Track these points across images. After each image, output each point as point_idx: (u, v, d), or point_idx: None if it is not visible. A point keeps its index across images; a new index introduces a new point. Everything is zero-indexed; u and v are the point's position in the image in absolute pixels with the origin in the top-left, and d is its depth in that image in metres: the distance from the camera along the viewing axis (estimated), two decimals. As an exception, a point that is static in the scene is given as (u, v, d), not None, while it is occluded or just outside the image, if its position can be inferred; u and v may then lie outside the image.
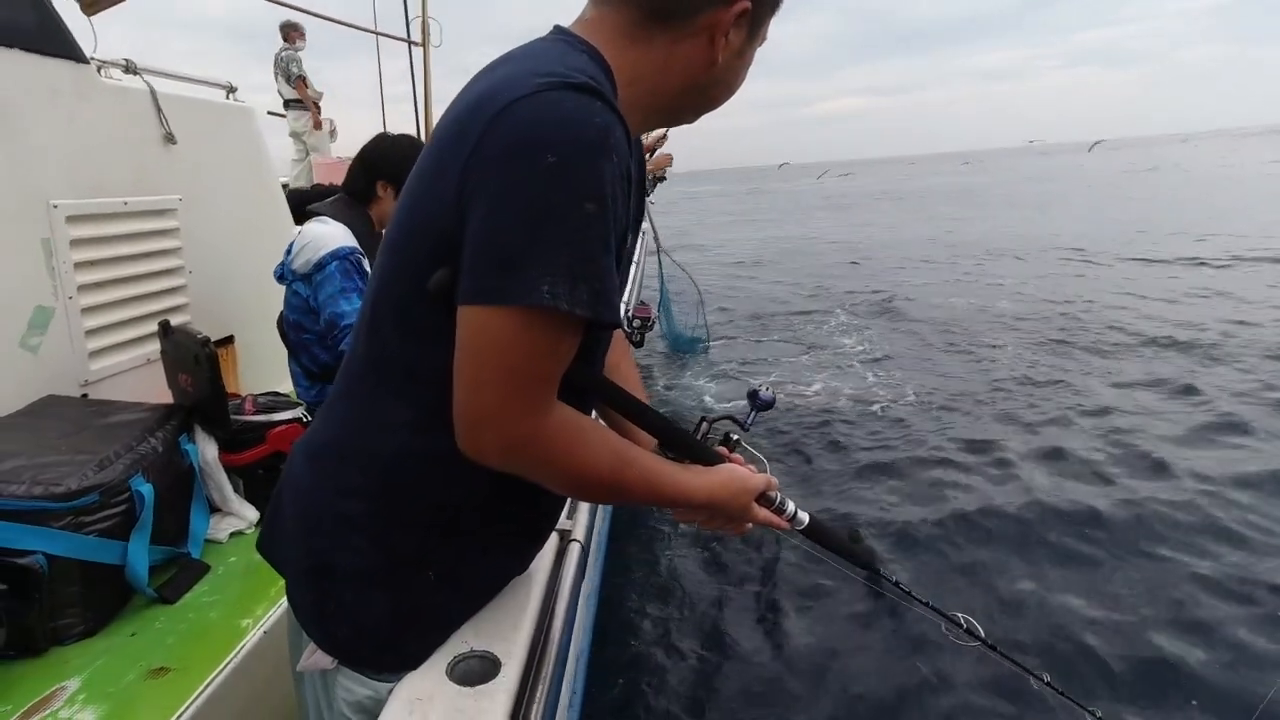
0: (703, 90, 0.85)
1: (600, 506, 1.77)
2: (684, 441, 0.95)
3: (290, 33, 6.85)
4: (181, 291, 2.40)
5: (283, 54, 6.91)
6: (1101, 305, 8.59)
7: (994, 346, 7.32)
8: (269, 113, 7.14)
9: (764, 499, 0.98)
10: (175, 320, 2.22)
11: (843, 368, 6.77)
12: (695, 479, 0.90)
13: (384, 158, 2.14)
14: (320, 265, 1.98)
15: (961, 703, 2.67)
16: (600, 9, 0.82)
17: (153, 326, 2.13)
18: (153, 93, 2.25)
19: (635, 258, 5.16)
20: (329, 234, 2.02)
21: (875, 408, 5.73)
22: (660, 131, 4.33)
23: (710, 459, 0.95)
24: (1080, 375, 6.21)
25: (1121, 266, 11.02)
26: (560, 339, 0.71)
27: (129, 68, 2.28)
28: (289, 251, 2.10)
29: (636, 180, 0.95)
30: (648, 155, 4.17)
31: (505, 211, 0.66)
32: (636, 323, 2.75)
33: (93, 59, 2.10)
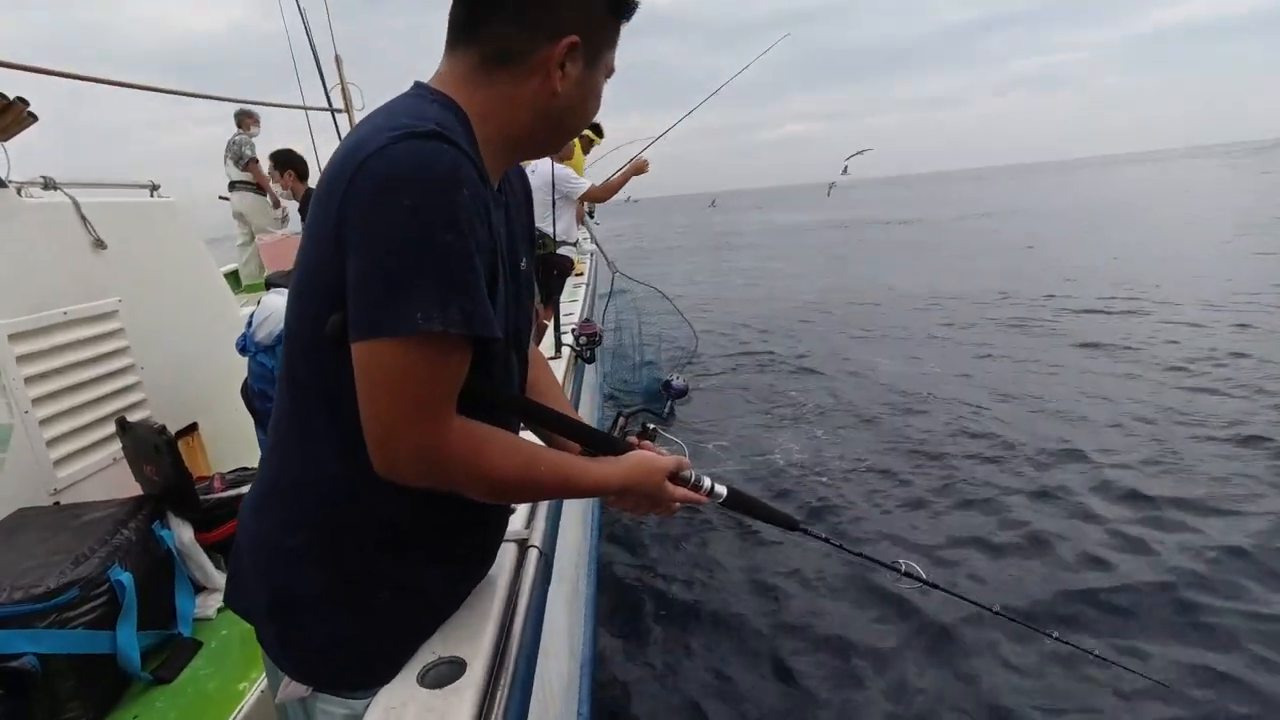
0: (554, 119, 0.94)
1: (565, 516, 1.85)
2: (595, 437, 1.04)
3: (245, 119, 6.99)
4: (137, 389, 2.46)
5: (236, 138, 7.01)
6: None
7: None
8: (220, 197, 7.21)
9: (679, 479, 1.06)
10: (135, 416, 2.28)
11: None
12: (606, 467, 0.99)
13: None
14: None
15: (925, 644, 2.79)
16: (449, 60, 0.92)
17: (113, 426, 2.18)
18: (75, 204, 2.32)
19: (585, 279, 5.26)
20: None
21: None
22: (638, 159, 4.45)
23: (621, 449, 1.04)
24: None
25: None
26: (445, 358, 0.79)
27: (48, 184, 2.35)
28: (250, 324, 2.17)
29: (520, 209, 1.04)
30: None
31: (375, 253, 0.75)
32: (584, 339, 2.83)
33: (10, 181, 2.17)
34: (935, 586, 1.36)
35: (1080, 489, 3.96)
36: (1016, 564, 3.30)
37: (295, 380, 0.91)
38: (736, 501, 1.14)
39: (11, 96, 2.46)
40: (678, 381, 1.27)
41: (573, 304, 4.17)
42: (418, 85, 0.92)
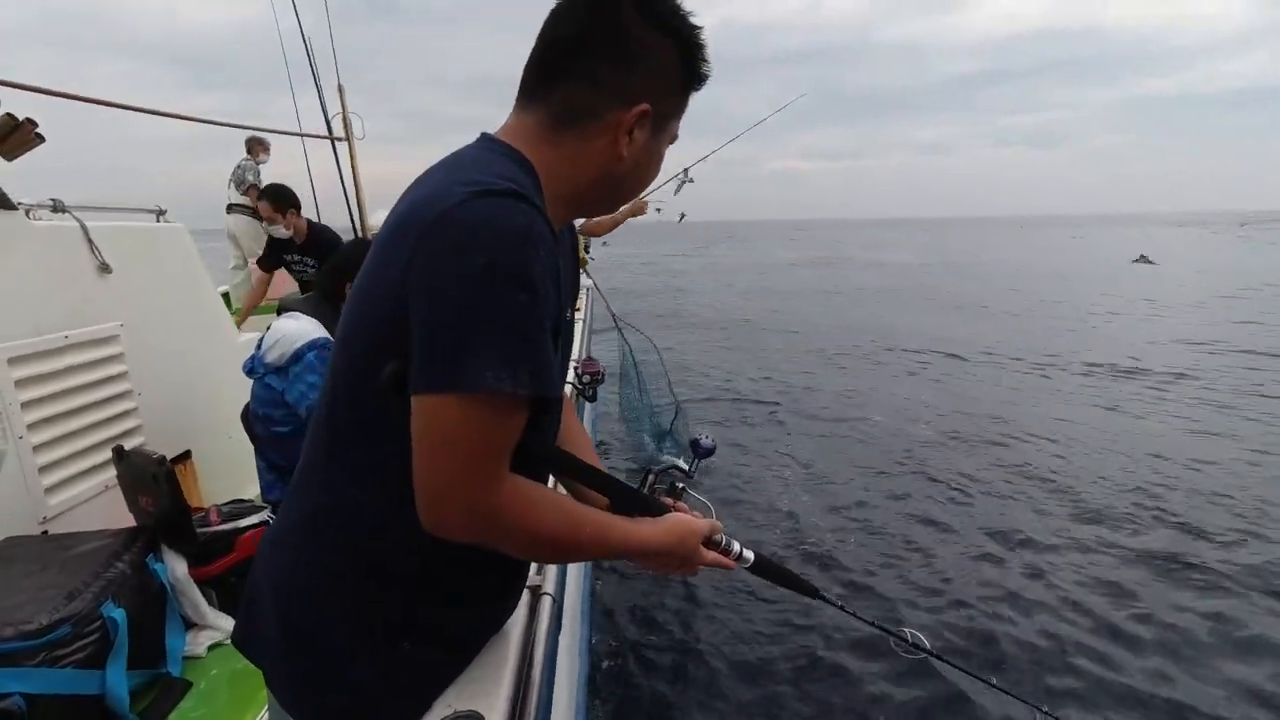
0: (616, 183, 0.95)
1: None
2: (631, 496, 1.03)
3: (255, 146, 7.02)
4: (133, 414, 2.42)
5: (242, 163, 7.04)
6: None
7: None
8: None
9: (710, 542, 1.05)
10: (129, 443, 2.24)
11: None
12: (644, 530, 0.98)
13: (348, 260, 2.27)
14: (298, 356, 2.05)
15: (918, 711, 2.77)
16: (519, 114, 0.92)
17: (108, 454, 2.14)
18: (83, 227, 2.31)
19: (582, 315, 5.28)
20: (302, 328, 2.11)
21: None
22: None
23: (657, 510, 1.02)
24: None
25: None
26: (508, 418, 0.79)
27: (57, 207, 2.34)
28: (259, 346, 2.16)
29: (569, 263, 1.05)
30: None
31: (446, 309, 0.75)
32: (586, 378, 2.83)
33: (20, 204, 2.15)
34: (938, 657, 1.35)
35: (1103, 562, 3.91)
36: (1023, 634, 3.26)
37: (335, 423, 0.90)
38: (762, 567, 1.13)
39: (20, 117, 2.47)
40: (706, 440, 1.26)
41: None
42: (486, 137, 0.92)
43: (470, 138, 0.95)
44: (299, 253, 4.35)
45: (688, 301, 17.17)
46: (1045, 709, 1.61)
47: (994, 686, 1.53)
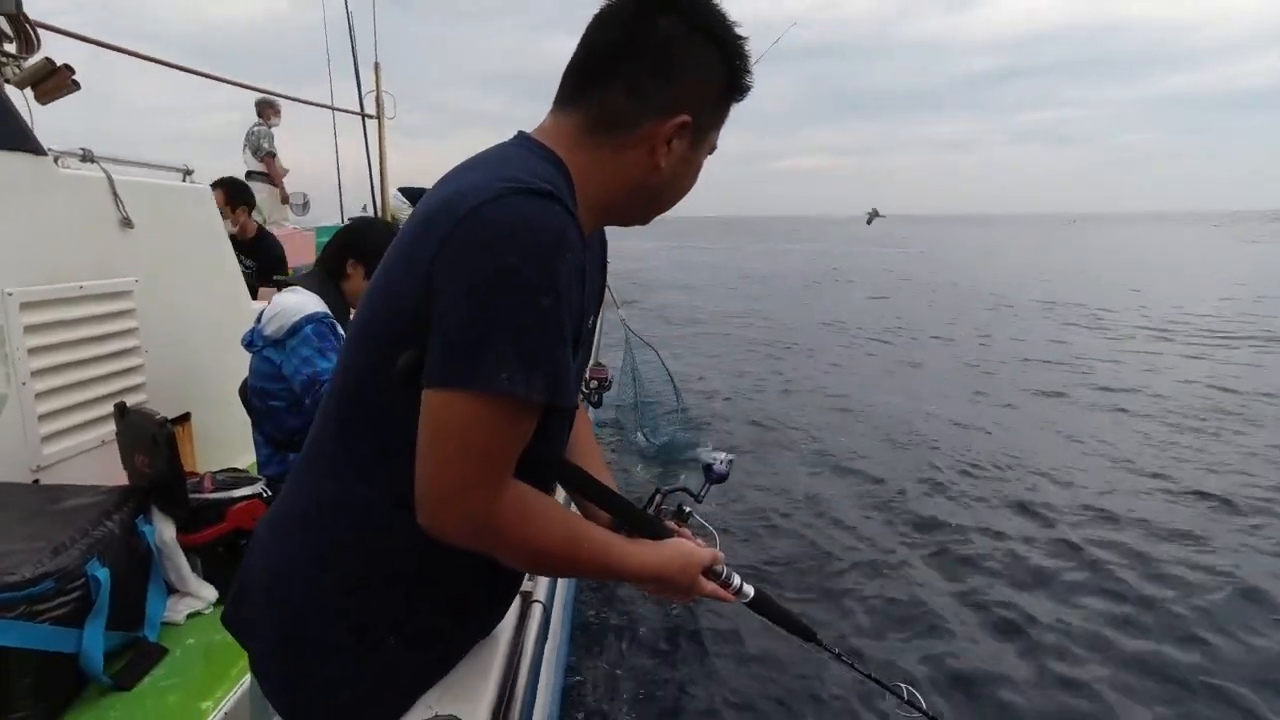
0: (652, 194, 0.93)
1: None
2: (635, 517, 1.00)
3: (266, 109, 7.01)
4: (138, 371, 2.40)
5: (256, 129, 7.05)
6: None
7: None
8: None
9: (710, 572, 1.02)
10: (131, 400, 2.22)
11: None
12: (644, 554, 0.95)
13: (356, 237, 2.24)
14: (295, 329, 2.03)
15: None
16: (556, 116, 0.90)
17: (107, 408, 2.12)
18: (110, 179, 2.30)
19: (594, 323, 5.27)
20: (303, 301, 2.09)
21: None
22: None
23: (660, 533, 1.00)
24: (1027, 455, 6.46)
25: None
26: (518, 422, 0.77)
27: (86, 156, 2.33)
28: (259, 320, 2.14)
29: (597, 270, 1.03)
30: None
31: (470, 304, 0.73)
32: (594, 384, 2.81)
33: (50, 150, 2.14)
34: (932, 719, 1.32)
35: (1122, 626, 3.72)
36: (1020, 699, 3.17)
37: (345, 414, 0.88)
38: (760, 605, 1.10)
39: (58, 63, 2.47)
40: (720, 466, 1.21)
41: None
42: (523, 136, 0.91)
43: (496, 133, 0.94)
44: (242, 252, 4.33)
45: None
46: None
47: None
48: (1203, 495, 5.24)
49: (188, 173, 2.79)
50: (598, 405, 2.89)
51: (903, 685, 1.24)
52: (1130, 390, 8.17)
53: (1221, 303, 15.12)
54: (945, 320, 13.22)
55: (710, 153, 0.95)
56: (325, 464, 0.91)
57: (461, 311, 0.73)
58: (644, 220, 0.99)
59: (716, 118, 0.92)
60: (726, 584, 1.04)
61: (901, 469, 5.90)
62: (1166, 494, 5.33)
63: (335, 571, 0.88)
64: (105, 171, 2.31)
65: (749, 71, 0.91)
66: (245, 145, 7.14)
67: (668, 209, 0.99)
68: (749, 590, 1.07)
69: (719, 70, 0.88)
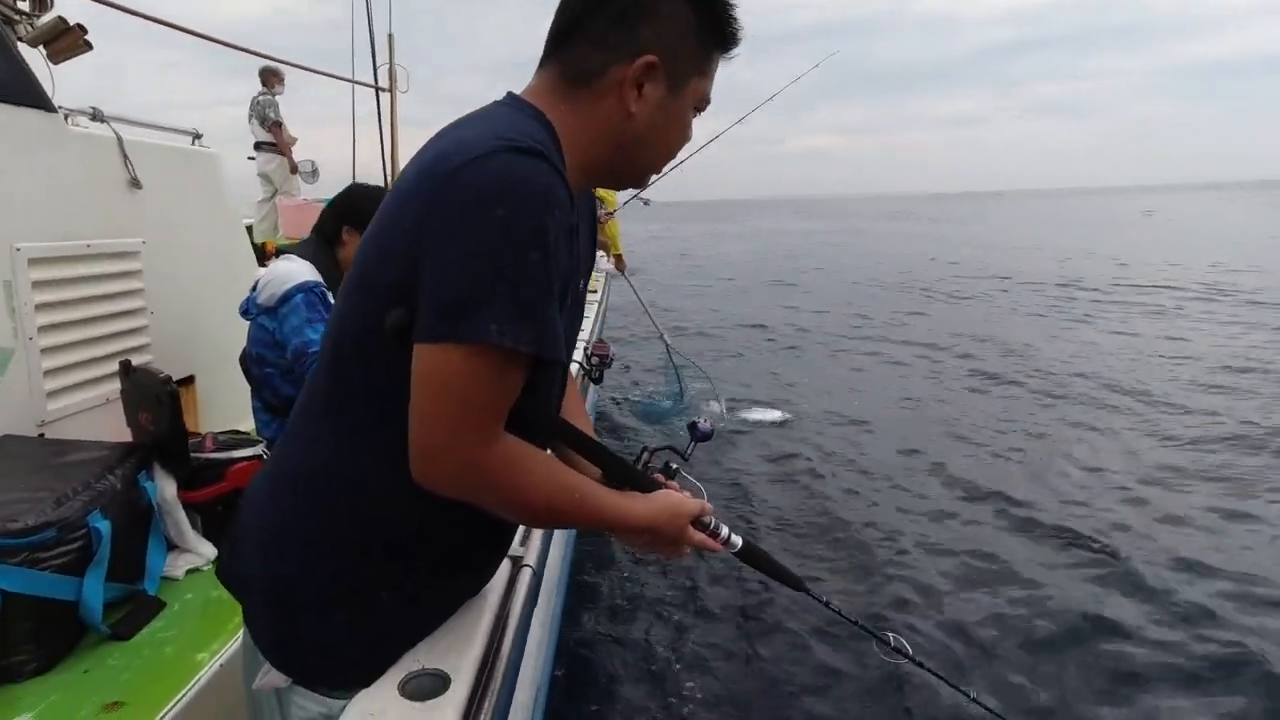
0: (633, 145, 0.92)
1: (555, 535, 1.83)
2: (625, 470, 1.02)
3: (270, 78, 6.95)
4: (143, 332, 2.43)
5: (260, 98, 6.99)
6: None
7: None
8: (249, 157, 7.21)
9: (699, 523, 1.04)
10: (136, 360, 2.25)
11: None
12: (634, 505, 0.97)
13: (352, 205, 2.25)
14: (286, 298, 2.05)
15: (891, 716, 2.74)
16: (539, 76, 0.92)
17: (113, 366, 2.15)
18: (119, 139, 2.31)
19: (598, 298, 5.27)
20: (294, 269, 2.10)
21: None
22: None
23: (649, 486, 1.02)
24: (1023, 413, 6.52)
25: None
26: (507, 374, 0.78)
27: (96, 115, 2.34)
28: (254, 288, 2.16)
29: (588, 230, 1.04)
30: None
31: (458, 259, 0.74)
32: (595, 360, 2.82)
33: (60, 108, 2.16)
34: (919, 665, 1.35)
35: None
36: (1011, 649, 3.23)
37: (338, 374, 0.89)
38: (749, 554, 1.12)
39: (72, 22, 2.47)
40: (704, 424, 1.25)
41: (585, 321, 4.16)
42: (512, 96, 0.91)
43: None
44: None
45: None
46: None
47: (973, 700, 1.48)
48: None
49: (197, 136, 2.80)
50: (598, 381, 2.90)
51: (890, 633, 1.26)
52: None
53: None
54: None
55: (701, 108, 0.96)
56: (318, 426, 0.92)
57: (450, 266, 0.74)
58: (636, 180, 0.99)
59: (694, 65, 0.91)
60: (715, 534, 1.06)
61: (908, 432, 6.05)
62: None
63: (329, 536, 0.90)
64: (115, 131, 2.32)
65: (729, 14, 0.91)
66: (251, 115, 7.10)
67: (657, 166, 0.98)
68: (737, 540, 1.09)
69: (689, 12, 0.88)
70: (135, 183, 2.35)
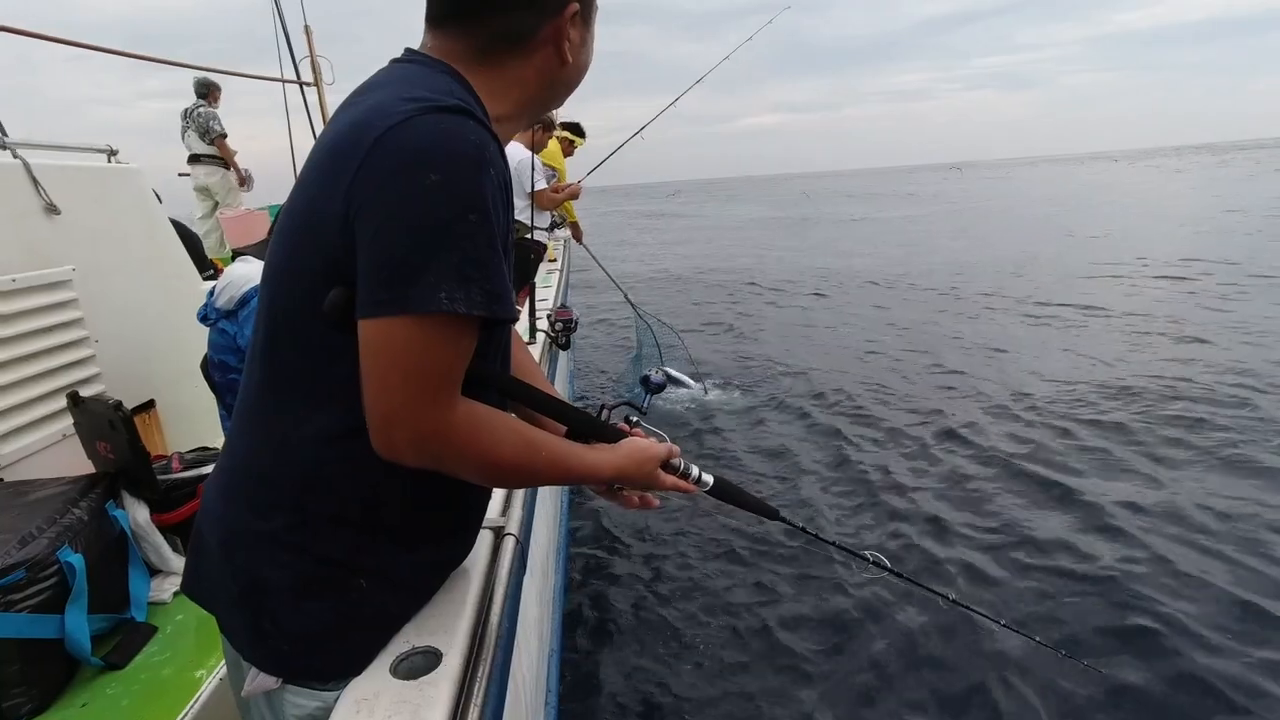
0: (562, 84, 0.95)
1: (541, 503, 1.82)
2: (589, 423, 1.02)
3: (212, 90, 6.73)
4: (90, 362, 2.35)
5: (200, 110, 6.74)
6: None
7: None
8: (180, 174, 6.98)
9: (669, 466, 1.05)
10: (87, 390, 2.18)
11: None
12: (602, 455, 0.97)
13: None
14: (245, 300, 2.01)
15: (883, 627, 2.86)
16: (441, 36, 0.87)
17: (63, 401, 2.08)
18: (26, 166, 2.20)
19: (560, 265, 5.22)
20: (252, 271, 2.05)
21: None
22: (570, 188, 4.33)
23: (614, 436, 1.02)
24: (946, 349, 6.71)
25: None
26: (459, 338, 0.76)
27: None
28: (211, 293, 2.11)
29: (509, 183, 1.02)
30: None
31: (396, 228, 0.72)
32: (559, 325, 2.79)
33: (-43, 140, 2.05)
34: (898, 575, 1.39)
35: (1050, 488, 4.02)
36: (978, 552, 3.37)
37: (274, 359, 0.87)
38: (722, 491, 1.13)
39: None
40: (656, 375, 1.26)
41: (547, 289, 4.12)
42: (419, 54, 0.88)
43: None
44: None
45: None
46: (1003, 621, 1.72)
47: (952, 601, 1.57)
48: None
49: (112, 153, 2.68)
50: (565, 348, 2.88)
51: (867, 550, 1.30)
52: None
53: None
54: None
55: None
56: (261, 416, 0.90)
57: (389, 236, 0.72)
58: (556, 105, 1.03)
59: None
60: (685, 475, 1.07)
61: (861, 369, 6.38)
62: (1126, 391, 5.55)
63: (282, 515, 0.88)
64: (20, 158, 2.21)
65: None
66: (188, 128, 6.83)
67: (574, 87, 1.00)
68: (708, 479, 1.10)
69: None
70: (52, 208, 2.25)
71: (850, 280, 11.55)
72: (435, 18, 0.87)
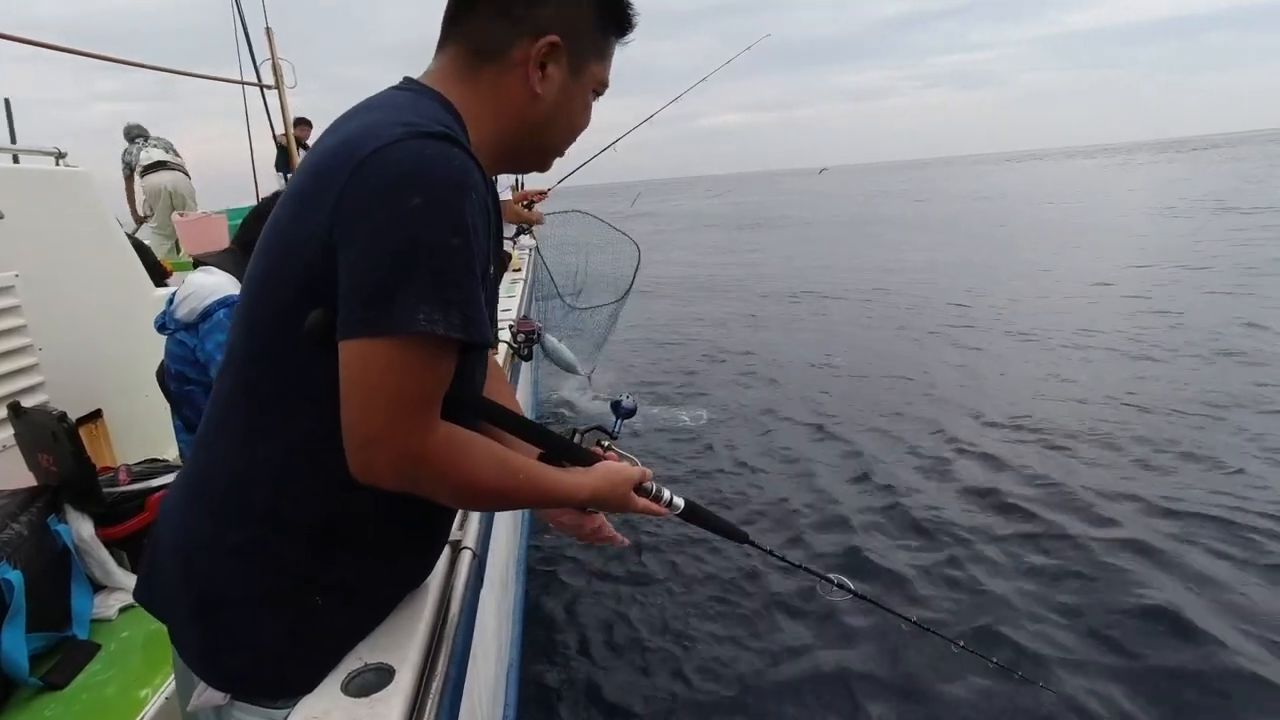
0: (536, 128, 0.93)
1: (497, 518, 1.82)
2: (561, 446, 1.03)
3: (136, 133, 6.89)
4: (33, 371, 2.28)
5: (129, 149, 6.85)
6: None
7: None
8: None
9: (641, 489, 1.06)
10: (30, 400, 2.12)
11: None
12: (578, 477, 0.99)
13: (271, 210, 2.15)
14: (207, 314, 1.96)
15: (846, 650, 2.89)
16: (439, 57, 0.90)
17: (3, 411, 2.02)
18: (-31, 168, 2.14)
19: (524, 275, 5.20)
20: (215, 283, 2.01)
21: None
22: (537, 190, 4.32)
23: (588, 460, 1.03)
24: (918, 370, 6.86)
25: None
26: (439, 361, 0.77)
27: (-61, 146, 2.16)
28: (171, 301, 2.06)
29: (494, 214, 1.02)
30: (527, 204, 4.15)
31: (378, 250, 0.73)
32: (521, 337, 2.79)
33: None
34: (862, 598, 1.41)
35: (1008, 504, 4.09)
36: (941, 573, 3.42)
37: (249, 370, 0.86)
38: (692, 514, 1.15)
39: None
40: (627, 401, 1.27)
41: (510, 300, 4.11)
42: (410, 81, 0.90)
43: None
44: None
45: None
46: (961, 643, 1.74)
47: (914, 624, 1.60)
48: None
49: (60, 156, 2.61)
50: (528, 359, 2.88)
51: (832, 574, 1.33)
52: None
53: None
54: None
55: (600, 91, 0.96)
56: (230, 429, 0.89)
57: (371, 258, 0.73)
58: (539, 161, 1.00)
59: (594, 48, 0.92)
60: (658, 499, 1.08)
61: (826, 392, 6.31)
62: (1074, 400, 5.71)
63: (244, 528, 0.87)
64: (-37, 160, 2.15)
65: (627, 3, 0.92)
66: (148, 144, 6.83)
67: (561, 149, 0.99)
68: (679, 502, 1.12)
69: None
70: (-3, 213, 2.18)
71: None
72: (440, 37, 0.90)
